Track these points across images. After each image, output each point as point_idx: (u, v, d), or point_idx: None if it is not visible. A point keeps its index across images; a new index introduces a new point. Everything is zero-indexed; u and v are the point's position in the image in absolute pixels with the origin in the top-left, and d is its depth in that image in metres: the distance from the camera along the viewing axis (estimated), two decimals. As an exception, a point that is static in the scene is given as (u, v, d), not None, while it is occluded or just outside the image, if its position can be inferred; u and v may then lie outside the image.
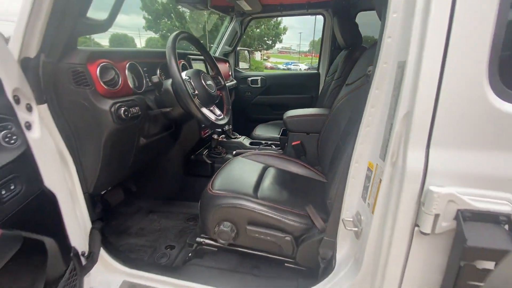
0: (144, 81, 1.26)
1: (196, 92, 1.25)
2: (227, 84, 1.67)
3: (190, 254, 1.31)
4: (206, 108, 1.31)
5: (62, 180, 0.91)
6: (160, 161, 1.75)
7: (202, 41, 1.49)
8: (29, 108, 0.79)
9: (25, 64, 0.82)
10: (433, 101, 0.58)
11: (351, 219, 0.85)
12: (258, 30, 24.94)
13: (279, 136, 2.13)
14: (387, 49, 0.67)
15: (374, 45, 0.89)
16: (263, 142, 2.11)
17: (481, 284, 0.60)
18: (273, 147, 2.02)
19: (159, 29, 24.30)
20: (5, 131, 0.61)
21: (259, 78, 2.80)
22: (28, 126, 0.76)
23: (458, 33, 0.55)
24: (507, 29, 0.54)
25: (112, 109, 1.00)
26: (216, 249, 1.25)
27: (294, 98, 2.78)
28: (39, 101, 0.86)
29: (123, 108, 1.03)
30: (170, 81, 1.22)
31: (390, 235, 0.68)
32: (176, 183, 1.86)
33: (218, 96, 1.45)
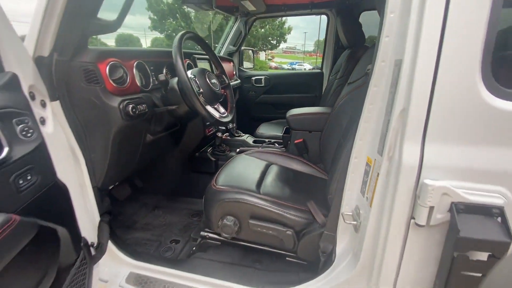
0: (151, 79, 1.30)
1: (201, 90, 1.29)
2: (231, 83, 1.71)
3: (194, 248, 1.35)
4: (210, 106, 1.34)
5: (73, 173, 0.95)
6: (165, 158, 1.80)
7: (207, 41, 1.52)
8: (43, 104, 0.83)
9: (39, 63, 0.87)
10: (428, 97, 0.60)
11: (351, 213, 0.88)
12: (262, 30, 24.95)
13: (282, 134, 2.16)
14: (384, 48, 0.69)
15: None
16: (266, 140, 2.14)
17: (474, 274, 0.62)
18: (276, 145, 2.05)
19: (164, 29, 24.47)
20: (22, 125, 0.65)
21: (263, 77, 2.82)
22: (43, 121, 0.80)
23: (452, 32, 0.57)
24: (499, 28, 0.56)
25: (121, 106, 1.04)
26: (220, 243, 1.28)
27: (298, 97, 2.80)
28: (52, 98, 0.90)
29: (131, 105, 1.07)
30: (176, 79, 1.26)
31: (387, 228, 0.71)
32: (181, 179, 1.91)
33: (223, 95, 1.48)
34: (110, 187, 1.47)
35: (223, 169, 1.35)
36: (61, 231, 0.75)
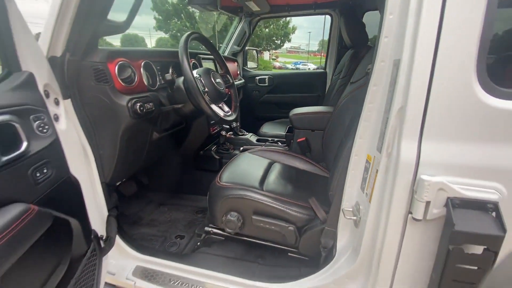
0: (158, 78, 1.34)
1: (206, 89, 1.32)
2: (235, 83, 1.74)
3: (198, 243, 1.38)
4: (215, 104, 1.37)
5: (84, 169, 0.99)
6: (170, 156, 1.84)
7: (211, 41, 1.56)
8: (56, 102, 0.87)
9: (53, 62, 0.91)
10: (424, 96, 0.63)
11: (351, 209, 0.90)
12: (267, 29, 24.94)
13: (285, 133, 2.19)
14: (384, 48, 0.72)
15: None
16: (270, 139, 2.16)
17: (469, 267, 0.64)
18: (279, 144, 2.08)
19: (169, 29, 24.60)
20: (38, 121, 0.69)
21: (267, 77, 2.85)
22: (56, 118, 0.84)
23: (448, 33, 0.59)
24: (494, 29, 0.58)
25: (129, 104, 1.08)
26: (224, 238, 1.32)
27: (301, 96, 2.83)
28: (64, 96, 0.94)
29: (138, 104, 1.11)
30: (182, 79, 1.30)
31: (386, 222, 0.73)
32: (186, 177, 1.95)
33: (227, 94, 1.52)
34: (118, 183, 1.51)
35: (227, 166, 1.38)
36: (74, 222, 0.78)
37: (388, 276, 0.78)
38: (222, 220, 1.18)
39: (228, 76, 1.65)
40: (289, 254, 1.23)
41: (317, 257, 1.08)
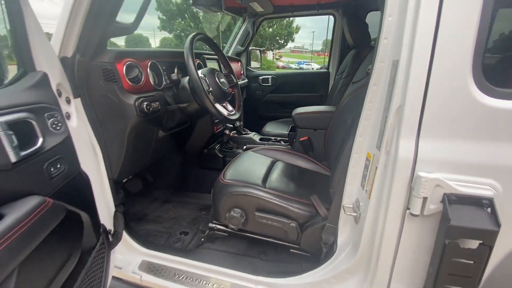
0: (163, 78, 1.37)
1: (211, 89, 1.35)
2: (239, 83, 1.77)
3: (202, 239, 1.41)
4: (219, 104, 1.41)
5: (93, 165, 1.03)
6: (175, 154, 1.87)
7: (215, 41, 1.59)
8: (68, 101, 0.91)
9: (64, 63, 0.95)
10: (422, 96, 0.65)
11: (351, 206, 0.93)
12: (270, 29, 24.95)
13: (287, 132, 2.21)
14: (383, 49, 0.74)
15: None
16: (273, 138, 2.19)
17: (465, 261, 0.66)
18: (282, 143, 2.10)
19: (173, 29, 24.73)
20: (52, 119, 0.72)
21: (270, 77, 2.88)
22: (68, 116, 0.88)
23: (444, 35, 0.62)
24: (489, 30, 0.60)
25: (136, 103, 1.11)
26: (227, 234, 1.35)
27: (304, 96, 2.85)
28: (75, 95, 0.98)
29: (145, 103, 1.14)
30: (187, 78, 1.33)
31: (384, 217, 0.75)
32: (190, 175, 1.98)
33: (231, 94, 1.55)
34: (124, 180, 1.55)
35: (230, 164, 1.41)
36: (84, 216, 0.82)
37: (386, 270, 0.80)
38: (225, 216, 1.21)
39: (232, 76, 1.68)
40: (291, 250, 1.25)
41: (318, 253, 1.11)
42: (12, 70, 0.78)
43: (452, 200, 0.65)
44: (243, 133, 2.24)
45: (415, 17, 0.63)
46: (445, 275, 0.69)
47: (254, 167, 1.40)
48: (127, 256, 1.24)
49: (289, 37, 26.95)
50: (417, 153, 0.68)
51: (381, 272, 0.82)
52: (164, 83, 1.37)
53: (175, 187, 1.98)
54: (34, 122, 0.66)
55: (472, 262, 0.67)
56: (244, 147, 2.06)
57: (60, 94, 0.86)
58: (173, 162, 1.91)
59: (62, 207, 0.70)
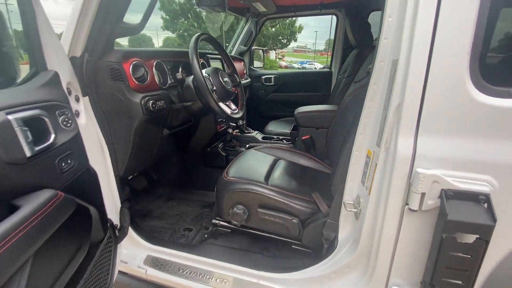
0: (168, 77, 1.40)
1: (215, 88, 1.38)
2: (242, 82, 1.80)
3: (206, 235, 1.44)
4: (223, 102, 1.43)
5: (101, 161, 1.06)
6: (179, 152, 1.90)
7: (218, 41, 1.61)
8: (77, 99, 0.94)
9: (73, 62, 0.98)
10: (420, 94, 0.67)
11: (352, 202, 0.95)
12: (273, 29, 24.94)
13: (290, 131, 2.23)
14: (383, 49, 0.76)
15: None
16: (275, 137, 2.21)
17: (462, 255, 0.68)
18: (284, 141, 2.13)
19: (176, 29, 24.81)
20: (63, 116, 0.75)
21: (273, 76, 2.90)
22: (77, 114, 0.91)
23: (442, 35, 0.63)
24: (486, 31, 0.62)
25: (142, 102, 1.14)
26: (230, 230, 1.37)
27: (306, 95, 2.86)
28: (83, 94, 1.01)
29: (151, 101, 1.17)
30: (191, 77, 1.36)
31: (384, 213, 0.77)
32: (193, 173, 2.01)
33: (234, 93, 1.57)
34: (130, 177, 1.58)
35: (234, 162, 1.44)
36: (93, 210, 0.85)
37: (386, 265, 0.82)
38: (228, 212, 1.24)
39: (235, 75, 1.71)
40: (292, 246, 1.28)
41: (319, 249, 1.13)
42: (23, 70, 0.82)
43: (450, 195, 0.67)
44: (246, 132, 2.27)
45: (414, 17, 0.65)
46: (442, 269, 0.70)
47: (257, 164, 1.43)
48: (133, 251, 1.27)
49: (292, 36, 26.91)
50: (416, 150, 0.70)
51: (380, 266, 0.83)
52: (169, 82, 1.40)
53: (179, 184, 2.01)
54: (46, 119, 0.69)
55: (469, 256, 0.68)
56: (247, 145, 2.08)
57: (70, 93, 0.89)
58: (177, 160, 1.94)
59: (73, 200, 0.73)
